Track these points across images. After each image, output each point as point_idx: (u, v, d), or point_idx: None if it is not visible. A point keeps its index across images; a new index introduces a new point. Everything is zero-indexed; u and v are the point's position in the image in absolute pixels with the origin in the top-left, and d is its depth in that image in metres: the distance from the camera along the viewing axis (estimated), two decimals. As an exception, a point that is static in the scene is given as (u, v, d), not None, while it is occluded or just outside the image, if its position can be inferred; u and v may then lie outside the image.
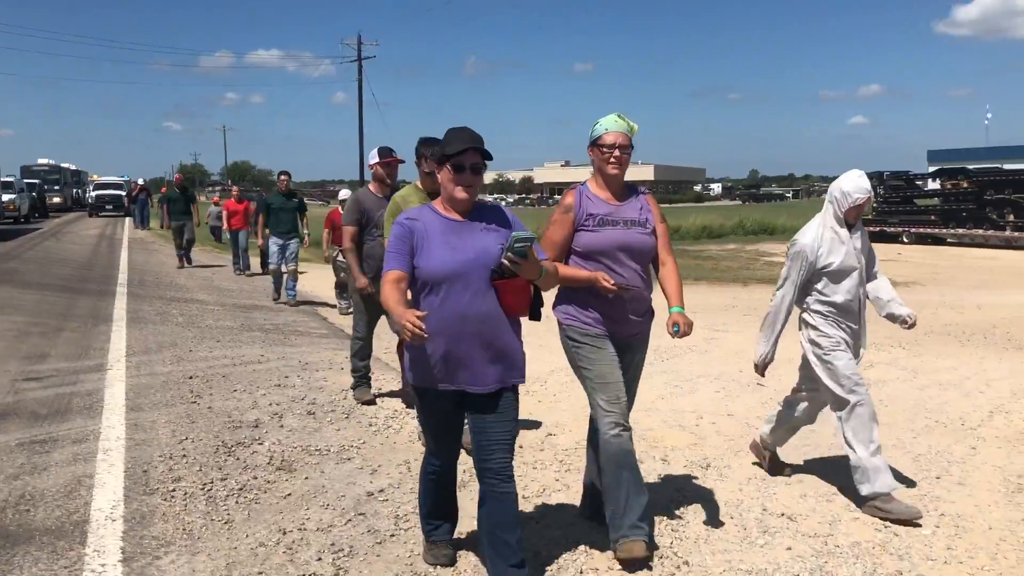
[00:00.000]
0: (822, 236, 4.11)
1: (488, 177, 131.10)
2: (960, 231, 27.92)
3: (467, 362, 3.03)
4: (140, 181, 38.25)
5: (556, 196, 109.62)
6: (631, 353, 3.67)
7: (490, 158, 3.06)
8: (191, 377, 6.86)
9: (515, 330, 3.13)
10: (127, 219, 35.79)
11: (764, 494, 4.34)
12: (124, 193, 42.13)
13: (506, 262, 2.95)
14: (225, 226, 16.38)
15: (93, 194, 43.00)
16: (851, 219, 4.11)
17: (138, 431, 5.35)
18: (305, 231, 12.19)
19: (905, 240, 29.55)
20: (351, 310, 10.44)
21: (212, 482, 4.42)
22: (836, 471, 4.62)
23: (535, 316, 3.19)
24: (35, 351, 7.84)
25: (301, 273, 12.63)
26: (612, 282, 3.38)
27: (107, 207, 41.84)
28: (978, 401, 6.47)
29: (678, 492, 4.38)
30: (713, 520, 3.96)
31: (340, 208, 10.67)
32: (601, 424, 3.44)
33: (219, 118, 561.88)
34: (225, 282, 14.83)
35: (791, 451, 4.97)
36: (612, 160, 3.48)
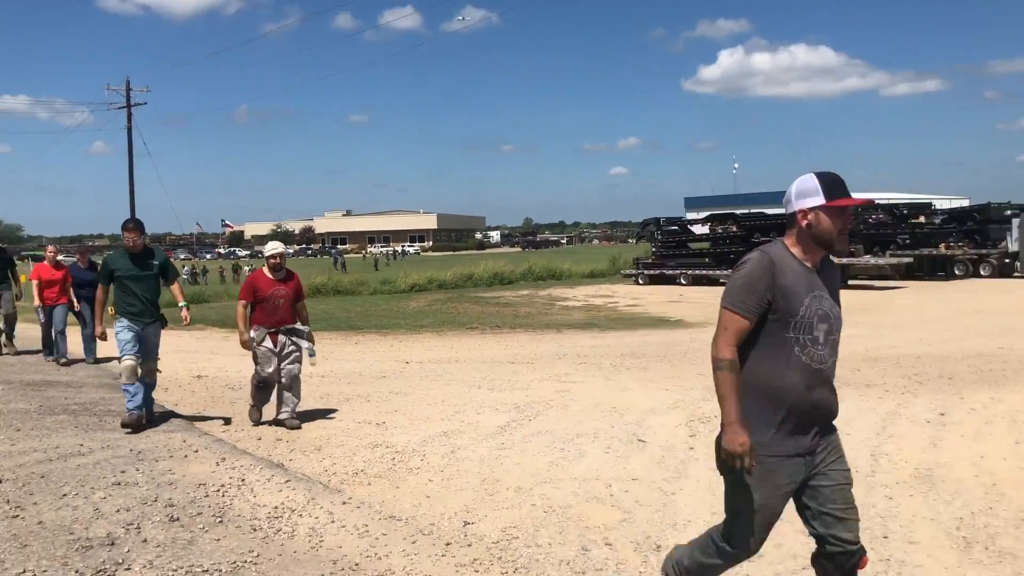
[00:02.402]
0: None
1: (265, 228, 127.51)
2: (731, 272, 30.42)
3: None
4: None
5: (340, 245, 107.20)
6: None
7: None
8: (0, 481, 5.56)
9: None
10: None
11: (737, 571, 4.02)
12: None
13: None
14: (36, 301, 11.78)
15: None
16: None
17: (-49, 566, 4.15)
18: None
19: (683, 282, 31.55)
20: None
21: (86, 633, 3.44)
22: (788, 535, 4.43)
23: None
24: None
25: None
26: None
27: None
28: (852, 444, 6.59)
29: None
30: None
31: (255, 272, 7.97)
32: None
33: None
34: (-7, 353, 12.71)
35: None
36: None
